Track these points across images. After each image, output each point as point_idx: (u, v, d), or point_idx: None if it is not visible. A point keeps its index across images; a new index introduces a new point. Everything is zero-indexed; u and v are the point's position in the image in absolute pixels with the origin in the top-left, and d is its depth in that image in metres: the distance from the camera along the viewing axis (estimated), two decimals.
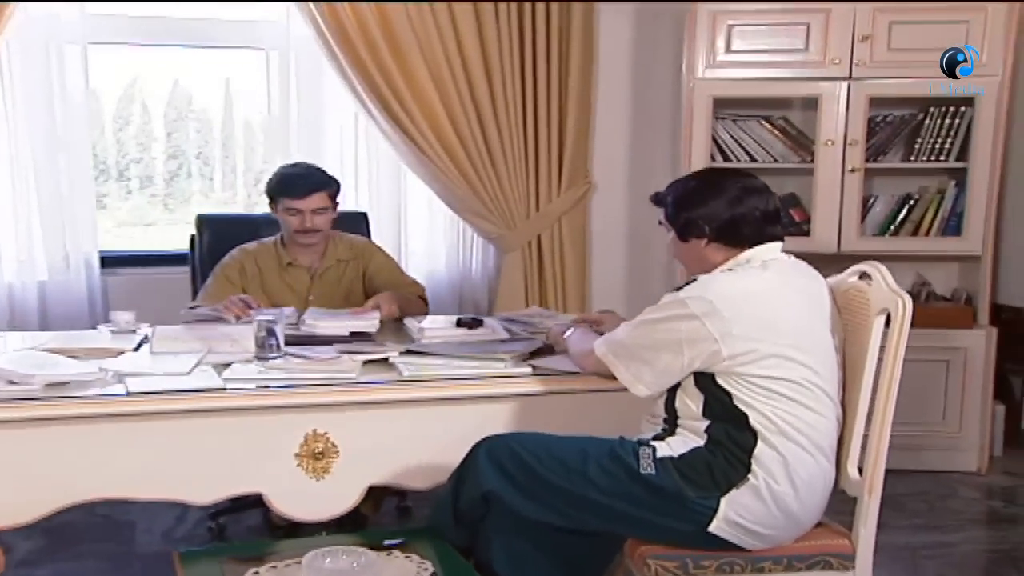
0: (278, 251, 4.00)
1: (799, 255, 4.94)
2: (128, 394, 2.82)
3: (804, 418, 2.67)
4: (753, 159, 4.99)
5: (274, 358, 3.16)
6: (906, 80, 4.74)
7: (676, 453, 2.68)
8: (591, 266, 5.36)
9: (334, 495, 2.99)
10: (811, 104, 4.92)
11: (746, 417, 2.65)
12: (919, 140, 4.89)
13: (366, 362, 3.13)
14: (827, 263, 5.02)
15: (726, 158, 4.96)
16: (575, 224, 5.28)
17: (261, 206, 4.41)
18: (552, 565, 2.79)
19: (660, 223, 2.96)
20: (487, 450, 2.79)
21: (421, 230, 5.33)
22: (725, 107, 4.95)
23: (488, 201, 5.11)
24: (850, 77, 4.74)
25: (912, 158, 4.90)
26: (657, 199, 2.97)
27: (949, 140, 4.85)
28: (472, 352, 3.18)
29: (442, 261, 5.35)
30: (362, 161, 5.18)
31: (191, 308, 3.82)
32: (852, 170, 4.77)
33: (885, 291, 2.79)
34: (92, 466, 2.82)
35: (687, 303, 2.67)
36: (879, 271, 2.84)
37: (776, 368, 2.65)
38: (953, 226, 4.91)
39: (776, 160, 4.99)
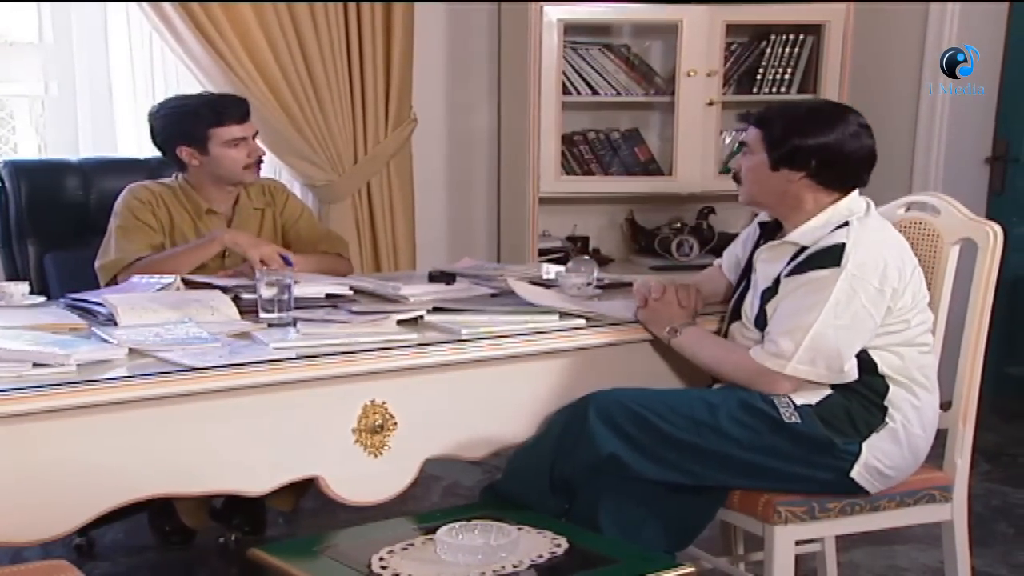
0: (189, 195, 3.56)
1: (660, 197, 5.04)
2: (190, 369, 2.47)
3: (926, 360, 2.78)
4: (595, 91, 4.94)
5: (286, 323, 2.83)
6: (759, 5, 4.88)
7: (813, 401, 2.66)
8: (417, 211, 5.09)
9: (392, 473, 2.79)
10: (655, 32, 4.95)
11: (875, 363, 2.66)
12: (760, 71, 5.00)
13: (398, 322, 2.87)
14: (686, 203, 5.13)
15: (566, 91, 4.88)
16: (403, 170, 5.01)
17: None
18: (661, 524, 2.74)
19: (744, 143, 2.88)
20: (596, 411, 2.67)
21: None
22: (566, 34, 4.84)
23: (313, 140, 4.75)
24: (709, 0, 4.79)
25: (755, 90, 5.00)
26: (760, 119, 2.81)
27: (789, 71, 4.99)
28: (510, 306, 2.97)
29: None
30: (159, 93, 4.64)
31: (137, 262, 3.34)
32: (710, 103, 4.81)
33: (965, 221, 2.88)
34: (142, 459, 2.49)
35: (873, 279, 2.63)
36: (947, 202, 2.91)
37: (909, 312, 2.72)
38: None
39: (620, 93, 4.96)
